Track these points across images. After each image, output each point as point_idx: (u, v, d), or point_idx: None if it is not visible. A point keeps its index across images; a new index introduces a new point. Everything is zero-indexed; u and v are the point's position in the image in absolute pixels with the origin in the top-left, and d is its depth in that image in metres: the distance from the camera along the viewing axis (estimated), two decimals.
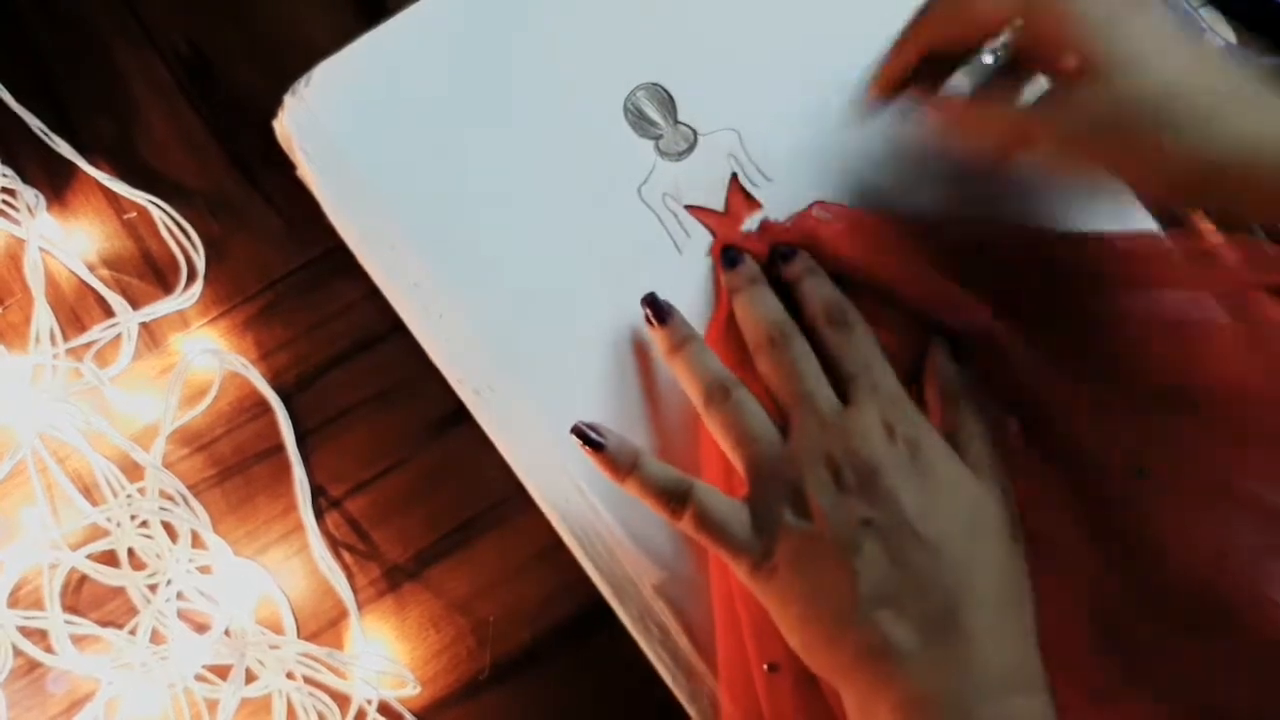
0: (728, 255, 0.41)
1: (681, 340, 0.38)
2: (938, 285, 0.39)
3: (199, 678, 0.42)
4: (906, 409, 0.35)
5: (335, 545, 0.43)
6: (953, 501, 0.33)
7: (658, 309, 0.39)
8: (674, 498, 0.35)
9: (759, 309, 0.39)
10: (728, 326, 0.40)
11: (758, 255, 0.41)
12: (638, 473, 0.36)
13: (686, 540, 0.38)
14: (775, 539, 0.34)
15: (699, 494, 0.35)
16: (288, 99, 0.43)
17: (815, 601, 0.33)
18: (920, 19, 0.39)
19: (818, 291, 0.39)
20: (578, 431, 0.37)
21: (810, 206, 0.42)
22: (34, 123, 0.46)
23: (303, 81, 0.43)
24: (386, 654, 0.42)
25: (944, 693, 0.31)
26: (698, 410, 0.38)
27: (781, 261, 0.40)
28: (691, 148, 0.43)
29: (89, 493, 0.43)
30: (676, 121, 0.43)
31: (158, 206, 0.46)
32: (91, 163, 0.46)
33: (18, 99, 0.47)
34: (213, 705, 0.41)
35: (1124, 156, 0.34)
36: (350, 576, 0.43)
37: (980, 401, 0.37)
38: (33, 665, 0.42)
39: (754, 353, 0.38)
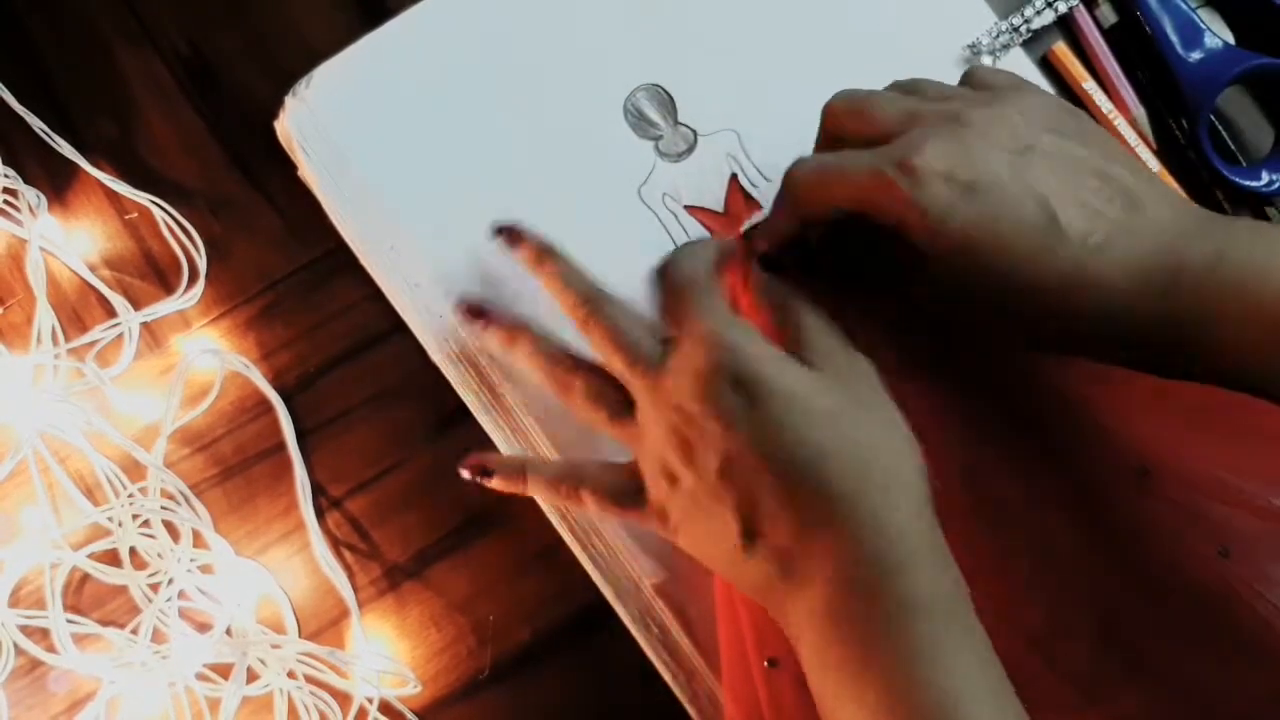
0: (507, 233, 0.40)
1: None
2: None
3: (200, 677, 0.42)
4: (726, 337, 0.33)
5: (336, 545, 0.43)
6: (790, 417, 0.32)
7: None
8: (569, 488, 0.37)
9: (565, 280, 0.38)
10: None
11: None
12: (532, 476, 0.38)
13: None
14: (663, 505, 0.35)
15: (590, 476, 0.37)
16: (289, 100, 0.43)
17: (712, 549, 0.34)
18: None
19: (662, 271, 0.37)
20: (469, 468, 0.39)
21: None
22: (35, 123, 0.46)
23: (303, 83, 0.44)
24: (387, 653, 0.42)
25: (832, 595, 0.31)
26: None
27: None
28: (691, 149, 0.43)
29: (90, 492, 0.44)
30: (676, 122, 0.43)
31: (159, 207, 0.46)
32: (93, 163, 0.46)
33: (19, 99, 0.47)
34: (214, 704, 0.41)
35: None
36: (351, 576, 0.43)
37: (806, 296, 0.36)
38: (34, 664, 0.42)
39: (579, 328, 0.37)
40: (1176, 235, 0.32)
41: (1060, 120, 0.34)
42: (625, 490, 0.36)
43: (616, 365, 0.36)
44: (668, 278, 0.36)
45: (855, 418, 0.33)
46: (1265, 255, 0.30)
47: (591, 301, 0.37)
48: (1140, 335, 0.32)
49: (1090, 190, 0.32)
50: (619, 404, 0.36)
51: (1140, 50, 0.45)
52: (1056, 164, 0.33)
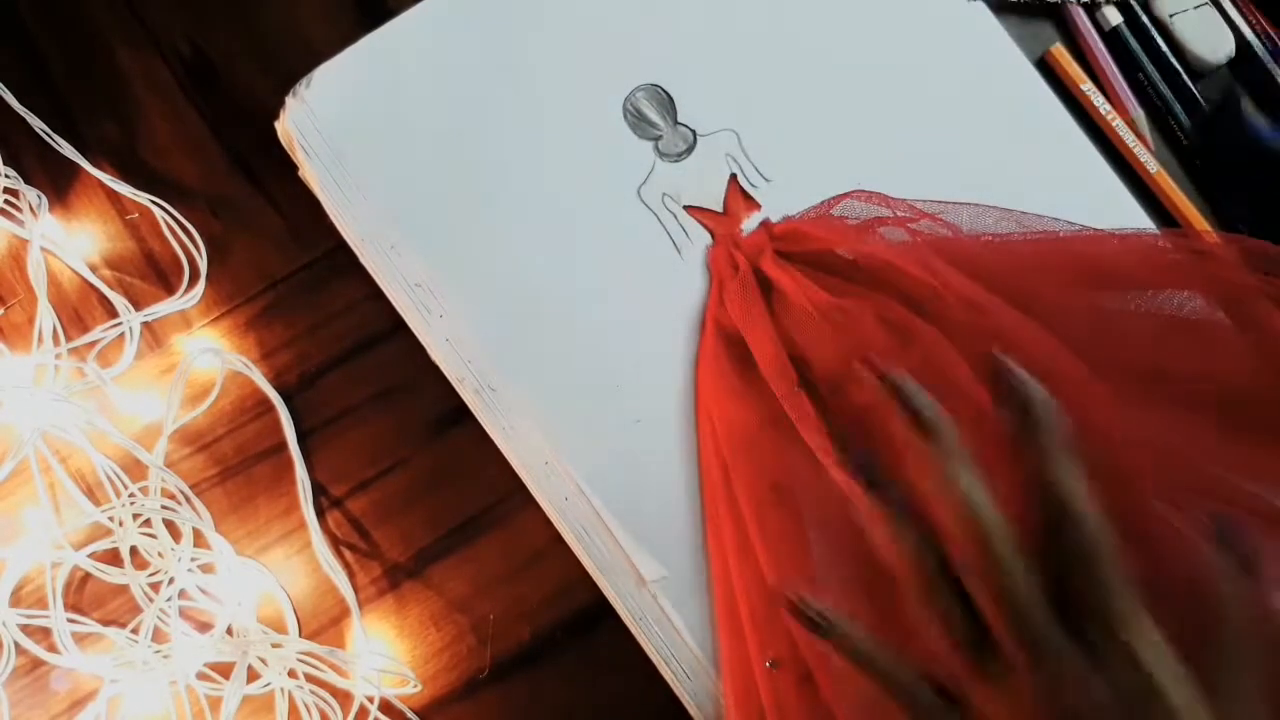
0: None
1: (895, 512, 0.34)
2: (937, 276, 0.39)
3: (201, 676, 0.42)
4: (1172, 674, 0.30)
5: (336, 544, 0.43)
6: None
7: (870, 476, 0.34)
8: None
9: (976, 508, 0.32)
10: (718, 334, 0.40)
11: (757, 249, 0.41)
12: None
13: (688, 538, 0.39)
14: None
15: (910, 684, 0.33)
16: (289, 100, 0.44)
17: None
18: None
19: (1075, 492, 0.32)
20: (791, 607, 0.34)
21: (834, 201, 0.42)
22: (36, 123, 0.46)
23: (304, 83, 0.44)
24: (387, 652, 0.42)
25: None
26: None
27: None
28: (690, 149, 0.43)
29: (91, 492, 0.44)
30: (676, 122, 0.43)
31: (160, 207, 0.46)
32: (94, 163, 0.46)
33: (20, 99, 0.47)
34: (215, 703, 0.41)
35: None
36: (351, 575, 0.43)
37: (1256, 652, 0.32)
38: (35, 664, 0.42)
39: (983, 562, 0.32)
40: None
41: None
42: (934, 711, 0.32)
43: (1014, 611, 0.31)
44: (1099, 569, 0.31)
45: None
46: None
47: (1009, 551, 0.32)
48: None
49: None
50: (985, 652, 0.31)
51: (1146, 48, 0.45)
52: None
